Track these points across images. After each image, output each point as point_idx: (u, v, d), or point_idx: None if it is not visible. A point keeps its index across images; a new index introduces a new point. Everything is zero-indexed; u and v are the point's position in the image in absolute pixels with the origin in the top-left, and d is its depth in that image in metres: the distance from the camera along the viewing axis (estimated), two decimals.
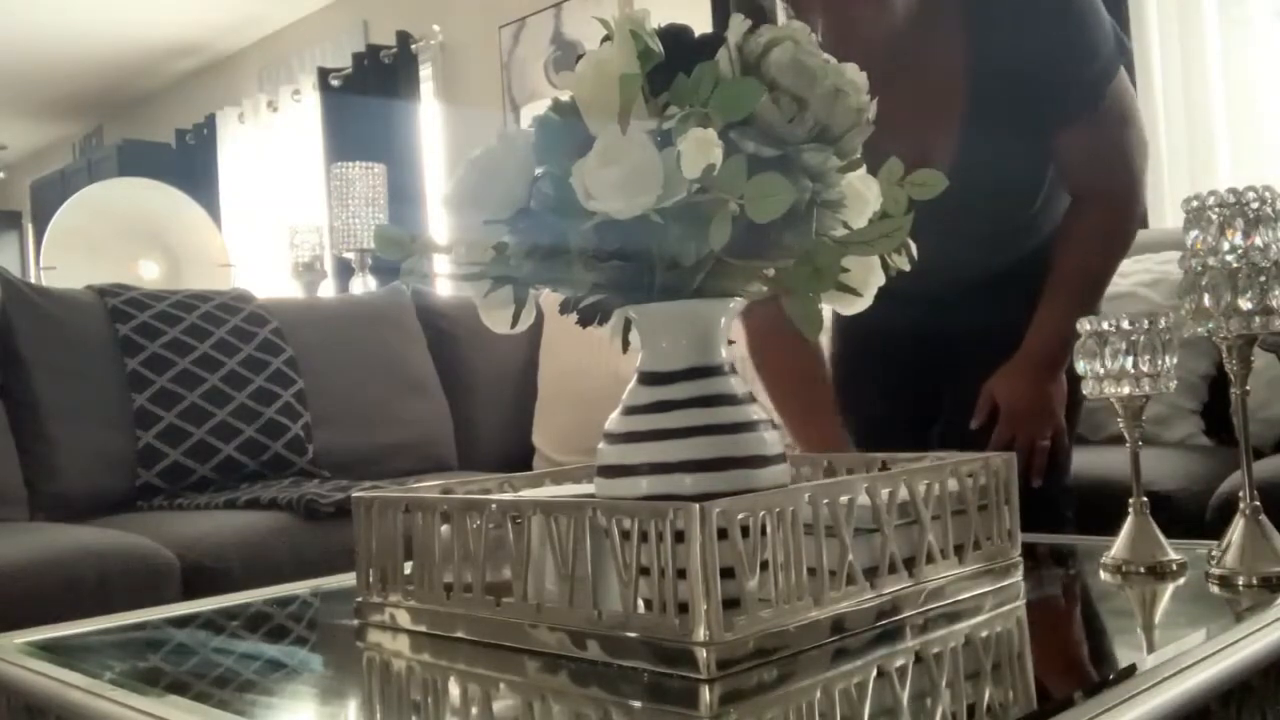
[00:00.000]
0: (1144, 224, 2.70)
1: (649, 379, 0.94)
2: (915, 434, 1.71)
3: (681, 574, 0.83)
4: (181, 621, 1.23)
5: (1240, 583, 1.06)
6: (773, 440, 0.93)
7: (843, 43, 1.40)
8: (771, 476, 0.91)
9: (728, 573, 0.83)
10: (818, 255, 0.88)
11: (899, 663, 0.87)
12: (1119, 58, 1.54)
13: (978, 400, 1.62)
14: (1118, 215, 1.60)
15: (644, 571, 0.86)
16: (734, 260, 0.88)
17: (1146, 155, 1.61)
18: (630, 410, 0.93)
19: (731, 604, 0.84)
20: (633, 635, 0.86)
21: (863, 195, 0.90)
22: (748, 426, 0.91)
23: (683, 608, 0.83)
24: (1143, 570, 1.14)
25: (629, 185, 0.82)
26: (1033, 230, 1.67)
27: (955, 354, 1.71)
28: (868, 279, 0.94)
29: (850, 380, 1.82)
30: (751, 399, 0.94)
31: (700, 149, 0.81)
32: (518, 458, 2.95)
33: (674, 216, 0.85)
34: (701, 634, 0.82)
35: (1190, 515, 1.75)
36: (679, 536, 0.83)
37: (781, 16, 1.55)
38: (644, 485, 0.90)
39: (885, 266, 0.95)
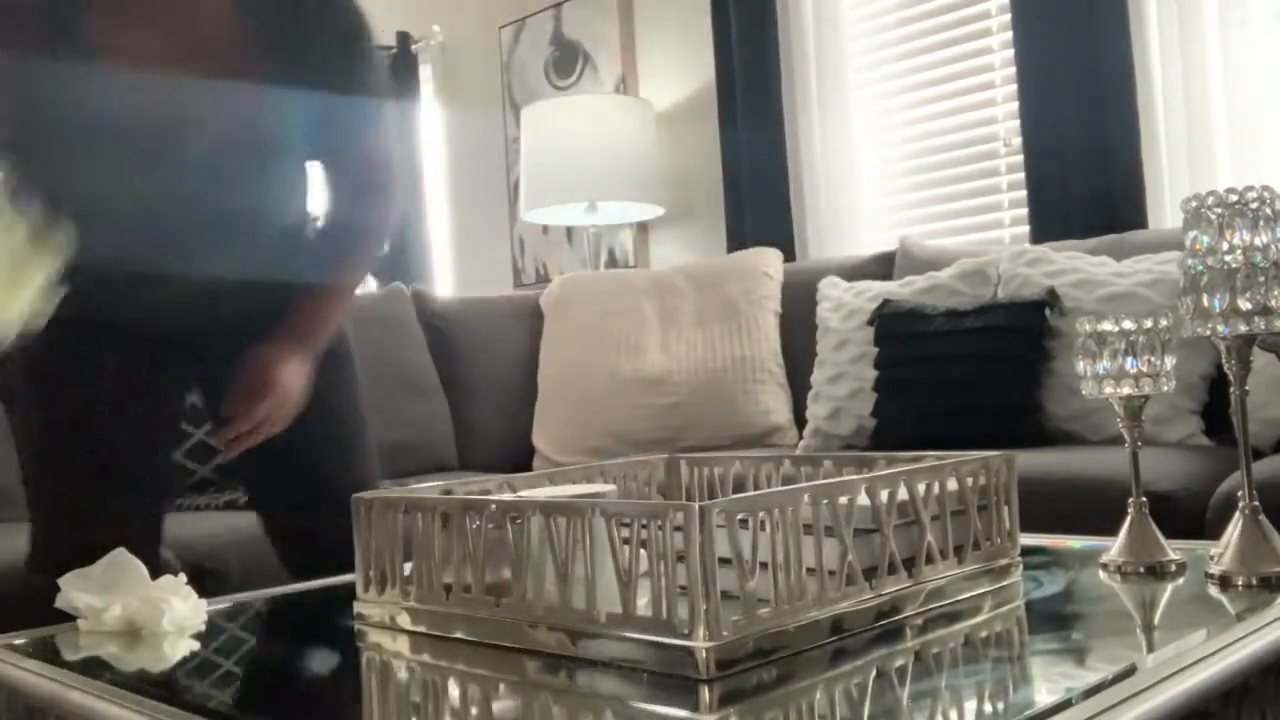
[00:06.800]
0: (1143, 224, 2.71)
1: None
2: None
3: (681, 574, 0.83)
4: None
5: (1240, 583, 1.06)
6: None
7: None
8: None
9: (727, 573, 0.83)
10: None
11: (899, 663, 0.87)
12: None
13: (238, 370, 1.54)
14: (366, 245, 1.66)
15: (643, 572, 0.86)
16: None
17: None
18: None
19: (731, 604, 0.84)
20: (632, 635, 0.86)
21: None
22: None
23: (682, 608, 0.83)
24: (1142, 570, 1.14)
25: None
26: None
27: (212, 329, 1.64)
28: None
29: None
30: None
31: None
32: (518, 458, 2.95)
33: None
34: (701, 634, 0.82)
35: (1190, 515, 1.75)
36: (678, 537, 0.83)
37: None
38: None
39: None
